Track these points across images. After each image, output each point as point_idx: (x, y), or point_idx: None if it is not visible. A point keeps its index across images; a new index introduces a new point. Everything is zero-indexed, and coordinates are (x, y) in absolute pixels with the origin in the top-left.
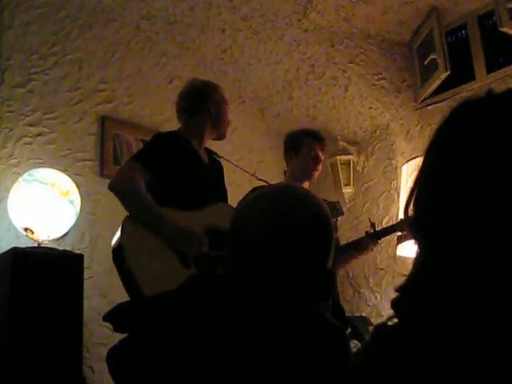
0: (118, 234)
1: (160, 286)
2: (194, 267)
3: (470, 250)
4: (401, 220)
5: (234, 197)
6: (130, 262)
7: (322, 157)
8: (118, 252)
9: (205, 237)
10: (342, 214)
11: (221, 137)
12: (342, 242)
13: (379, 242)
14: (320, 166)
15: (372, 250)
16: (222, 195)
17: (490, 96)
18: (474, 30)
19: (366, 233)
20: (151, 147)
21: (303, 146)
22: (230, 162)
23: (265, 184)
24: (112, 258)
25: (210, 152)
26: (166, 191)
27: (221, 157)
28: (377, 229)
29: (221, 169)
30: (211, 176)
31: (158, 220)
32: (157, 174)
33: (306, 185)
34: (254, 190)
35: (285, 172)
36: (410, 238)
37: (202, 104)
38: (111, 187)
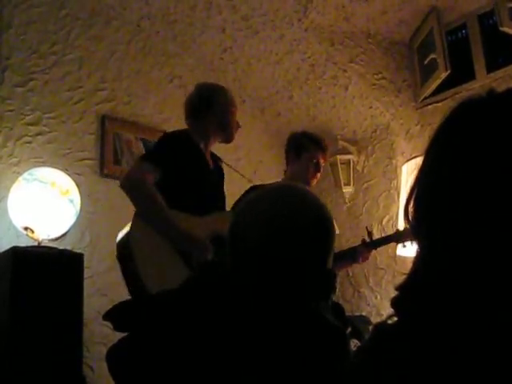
0: (127, 230)
1: (163, 286)
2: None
3: (471, 249)
4: (397, 230)
5: (232, 199)
6: (137, 260)
7: (323, 165)
8: (125, 248)
9: (210, 244)
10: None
11: (228, 140)
12: (342, 241)
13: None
14: (319, 175)
15: (367, 258)
16: (222, 201)
17: (492, 95)
18: (474, 30)
19: (363, 241)
20: (162, 146)
21: (306, 150)
22: (229, 166)
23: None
24: (117, 254)
25: (214, 157)
26: (173, 193)
27: (222, 161)
28: (373, 238)
29: (222, 174)
30: (215, 181)
31: (166, 224)
32: (167, 174)
33: None
34: (252, 188)
35: (285, 171)
36: (410, 239)
37: (206, 108)
38: (122, 186)
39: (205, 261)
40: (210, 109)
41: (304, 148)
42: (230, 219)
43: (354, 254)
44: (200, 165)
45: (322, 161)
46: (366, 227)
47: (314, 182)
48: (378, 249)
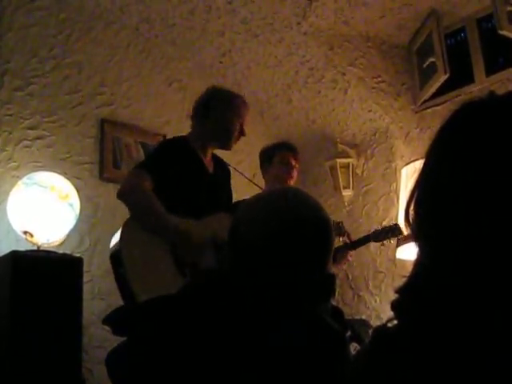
0: (117, 238)
1: (154, 294)
2: (190, 277)
3: (472, 252)
4: (375, 230)
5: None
6: (127, 268)
7: (296, 165)
8: (116, 256)
9: (208, 245)
10: (344, 234)
11: (224, 147)
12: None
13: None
14: (294, 173)
15: (348, 260)
16: (225, 204)
17: (492, 98)
18: (473, 33)
19: (344, 243)
20: (157, 154)
21: (275, 155)
22: (236, 169)
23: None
24: (110, 262)
25: (217, 159)
26: (168, 199)
27: (229, 165)
28: (351, 239)
29: (228, 175)
30: (214, 185)
31: (164, 223)
32: (161, 182)
33: None
34: (236, 204)
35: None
36: (410, 240)
37: (206, 111)
38: (120, 196)
39: (199, 270)
40: (207, 114)
41: (273, 154)
42: (226, 221)
43: (335, 255)
44: (195, 170)
45: (292, 160)
46: (346, 230)
47: (291, 181)
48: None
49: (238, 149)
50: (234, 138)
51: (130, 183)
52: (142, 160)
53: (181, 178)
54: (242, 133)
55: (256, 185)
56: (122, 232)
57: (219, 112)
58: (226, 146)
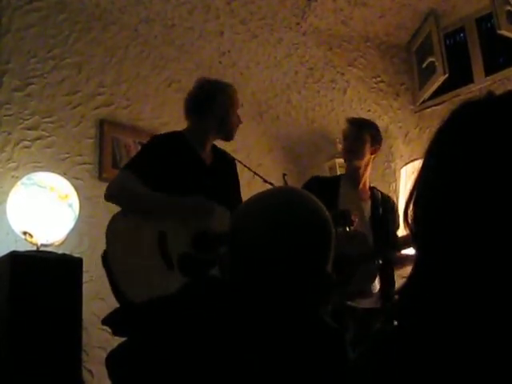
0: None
1: (144, 290)
2: (177, 269)
3: (471, 254)
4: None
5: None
6: (113, 266)
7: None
8: (104, 255)
9: (213, 205)
10: (352, 223)
11: (227, 138)
12: None
13: None
14: None
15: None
16: (225, 194)
17: (491, 98)
18: (472, 33)
19: None
20: (142, 153)
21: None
22: (241, 163)
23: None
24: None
25: (218, 151)
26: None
27: (234, 158)
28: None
29: (231, 167)
30: (211, 177)
31: (162, 206)
32: (148, 179)
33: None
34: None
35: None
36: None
37: (207, 105)
38: (107, 198)
39: (185, 256)
40: (212, 105)
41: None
42: (217, 213)
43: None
44: (187, 162)
45: None
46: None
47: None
48: None
49: (237, 149)
50: (236, 129)
51: (114, 187)
52: (129, 159)
53: (170, 171)
54: (239, 120)
55: (260, 176)
56: (107, 230)
57: (220, 105)
58: (230, 136)
